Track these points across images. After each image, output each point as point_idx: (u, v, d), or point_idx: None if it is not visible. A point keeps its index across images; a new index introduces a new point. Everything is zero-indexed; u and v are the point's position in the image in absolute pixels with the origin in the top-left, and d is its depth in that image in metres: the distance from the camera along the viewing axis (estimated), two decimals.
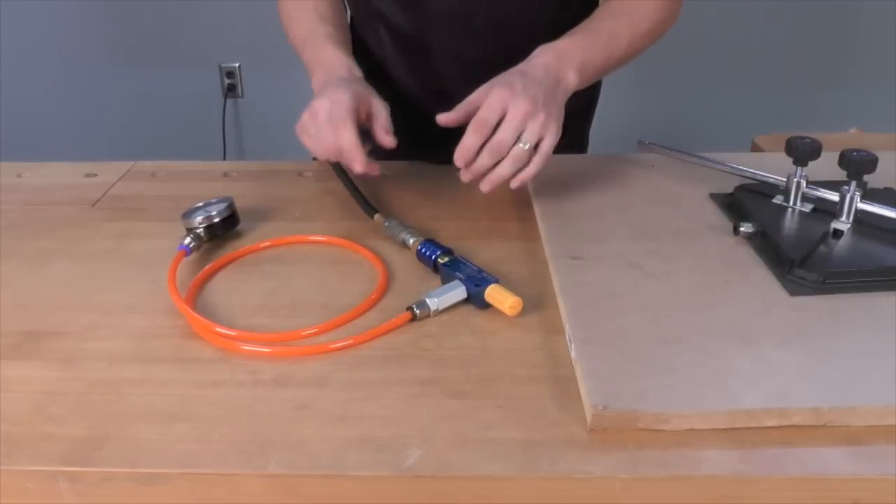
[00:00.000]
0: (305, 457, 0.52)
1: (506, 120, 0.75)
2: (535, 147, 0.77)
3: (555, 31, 0.88)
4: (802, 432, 0.53)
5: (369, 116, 0.83)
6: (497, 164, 0.76)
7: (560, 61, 0.81)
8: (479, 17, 0.95)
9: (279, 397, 0.57)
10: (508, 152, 0.75)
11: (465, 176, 0.77)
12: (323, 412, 0.56)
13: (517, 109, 0.75)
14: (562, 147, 0.82)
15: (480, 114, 0.75)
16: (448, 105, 0.81)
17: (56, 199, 0.90)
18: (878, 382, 0.55)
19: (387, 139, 0.82)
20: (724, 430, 0.53)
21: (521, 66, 0.81)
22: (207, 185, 0.94)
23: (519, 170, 0.77)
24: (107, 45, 2.40)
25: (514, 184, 0.77)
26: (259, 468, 0.51)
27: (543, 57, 0.82)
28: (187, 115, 2.45)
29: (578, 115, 1.10)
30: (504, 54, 0.84)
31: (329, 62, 0.89)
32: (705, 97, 2.37)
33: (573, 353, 0.60)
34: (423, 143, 0.89)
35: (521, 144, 0.75)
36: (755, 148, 1.45)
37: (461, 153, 0.76)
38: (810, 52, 2.33)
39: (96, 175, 0.96)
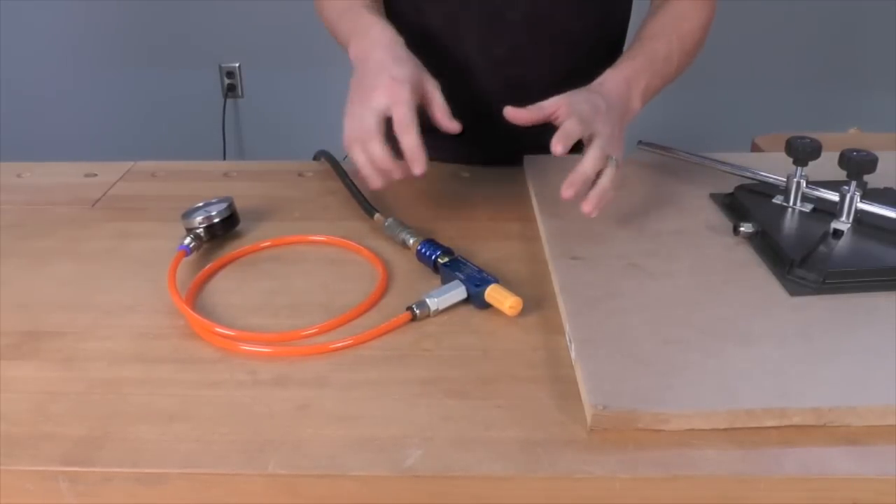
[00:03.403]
0: (305, 457, 0.52)
1: (597, 138, 0.74)
2: None
3: (586, 32, 0.91)
4: (802, 432, 0.53)
5: (424, 100, 0.77)
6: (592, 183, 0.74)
7: (629, 88, 0.82)
8: (514, 12, 0.94)
9: (279, 397, 0.57)
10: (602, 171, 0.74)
11: (567, 191, 0.72)
12: (323, 412, 0.56)
13: (605, 130, 0.75)
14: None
15: (571, 124, 0.73)
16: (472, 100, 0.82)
17: (56, 199, 0.90)
18: (878, 382, 0.55)
19: (451, 125, 0.77)
20: (724, 430, 0.53)
21: (596, 87, 0.81)
22: (207, 185, 0.94)
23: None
24: (107, 45, 2.40)
25: (595, 208, 0.74)
26: (259, 468, 0.51)
27: (614, 83, 0.81)
28: (187, 115, 2.45)
29: None
30: (535, 51, 0.86)
31: (367, 28, 0.83)
32: (705, 97, 2.37)
33: (573, 353, 0.60)
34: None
35: (612, 161, 0.75)
36: (755, 148, 1.45)
37: (563, 137, 0.72)
38: (810, 53, 2.33)
39: (96, 175, 0.96)
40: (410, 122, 0.72)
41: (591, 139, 0.75)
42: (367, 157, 0.74)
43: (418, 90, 0.76)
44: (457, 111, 0.79)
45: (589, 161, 0.73)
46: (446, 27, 0.96)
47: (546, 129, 0.84)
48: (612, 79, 0.82)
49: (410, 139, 0.72)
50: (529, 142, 0.85)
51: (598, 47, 0.98)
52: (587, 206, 0.73)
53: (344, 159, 0.88)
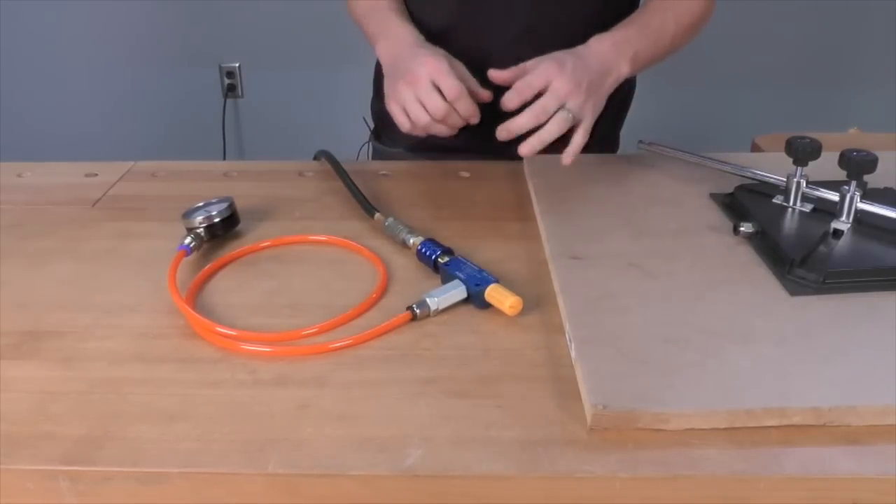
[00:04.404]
0: (305, 456, 0.52)
1: (548, 91, 0.79)
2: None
3: (597, 12, 0.94)
4: (802, 432, 0.53)
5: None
6: (538, 129, 0.79)
7: (616, 51, 0.86)
8: None
9: (279, 397, 0.57)
10: (550, 118, 0.79)
11: (501, 133, 0.79)
12: (323, 412, 0.56)
13: (560, 85, 0.79)
14: (592, 144, 0.83)
15: (526, 78, 0.80)
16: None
17: (56, 199, 0.90)
18: (878, 382, 0.55)
19: (484, 93, 0.86)
20: (724, 429, 0.53)
21: (578, 48, 0.85)
22: (207, 185, 0.94)
23: (564, 137, 0.80)
24: (107, 45, 2.40)
25: (566, 158, 0.81)
26: (259, 468, 0.51)
27: (599, 45, 0.86)
28: (187, 115, 2.45)
29: (611, 113, 1.11)
30: (547, 31, 0.91)
31: (393, 29, 0.93)
32: (705, 97, 2.37)
33: (573, 353, 0.60)
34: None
35: (564, 112, 0.79)
36: (755, 148, 1.45)
37: (502, 105, 0.80)
38: (810, 52, 2.33)
39: (96, 175, 0.96)
40: (459, 87, 0.80)
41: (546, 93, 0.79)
42: (428, 107, 0.81)
43: (452, 64, 0.83)
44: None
45: (529, 111, 0.78)
46: (461, 8, 0.98)
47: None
48: (598, 41, 0.86)
49: (465, 103, 0.81)
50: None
51: (609, 27, 0.99)
52: (522, 148, 0.79)
53: (360, 149, 0.89)
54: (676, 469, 0.50)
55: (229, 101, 2.45)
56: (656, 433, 0.53)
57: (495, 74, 0.85)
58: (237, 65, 2.41)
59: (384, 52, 0.91)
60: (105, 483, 0.52)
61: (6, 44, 2.38)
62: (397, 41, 0.90)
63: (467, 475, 0.50)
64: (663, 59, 0.96)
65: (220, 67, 2.42)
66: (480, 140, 1.02)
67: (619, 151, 1.16)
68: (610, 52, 0.85)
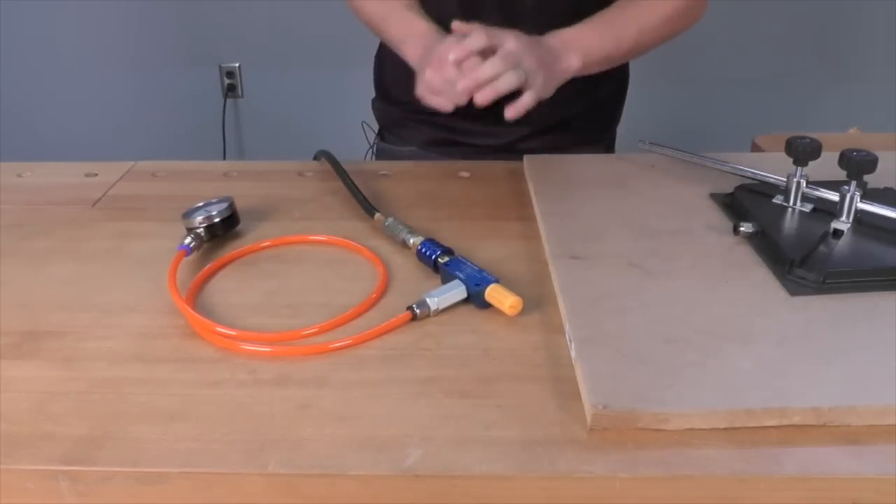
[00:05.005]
0: (305, 456, 0.52)
1: (502, 50, 0.81)
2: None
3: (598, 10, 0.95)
4: (802, 432, 0.53)
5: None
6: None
7: (565, 46, 0.88)
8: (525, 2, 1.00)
9: (279, 397, 0.57)
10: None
11: (463, 83, 0.80)
12: (323, 412, 0.56)
13: (514, 46, 0.82)
14: (587, 142, 0.84)
15: (480, 36, 0.82)
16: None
17: (56, 199, 0.90)
18: (878, 382, 0.55)
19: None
20: (724, 429, 0.53)
21: (535, 39, 0.87)
22: (207, 185, 0.94)
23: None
24: (107, 45, 2.40)
25: (509, 112, 0.82)
26: (259, 468, 0.51)
27: (550, 38, 0.88)
28: (187, 115, 2.45)
29: (607, 111, 1.11)
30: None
31: (422, 32, 0.94)
32: (705, 97, 2.37)
33: (573, 353, 0.60)
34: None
35: (518, 70, 0.81)
36: (755, 148, 1.45)
37: (463, 50, 0.81)
38: (810, 52, 2.33)
39: (96, 175, 0.96)
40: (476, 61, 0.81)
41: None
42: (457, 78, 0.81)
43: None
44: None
45: (489, 63, 0.80)
46: (465, 16, 0.98)
47: (554, 112, 0.85)
48: (550, 36, 0.89)
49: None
50: (540, 120, 0.88)
51: None
52: (479, 98, 0.80)
53: (366, 153, 0.89)
54: (676, 469, 0.50)
55: (229, 101, 2.45)
56: (656, 433, 0.53)
57: (457, 25, 0.88)
58: (237, 65, 2.41)
59: (412, 54, 0.93)
60: (105, 483, 0.52)
61: (6, 44, 2.38)
62: (423, 38, 0.92)
63: (467, 475, 0.50)
64: (633, 54, 0.98)
65: (220, 67, 2.42)
66: (484, 129, 1.04)
67: (618, 151, 1.17)
68: (560, 46, 0.88)
